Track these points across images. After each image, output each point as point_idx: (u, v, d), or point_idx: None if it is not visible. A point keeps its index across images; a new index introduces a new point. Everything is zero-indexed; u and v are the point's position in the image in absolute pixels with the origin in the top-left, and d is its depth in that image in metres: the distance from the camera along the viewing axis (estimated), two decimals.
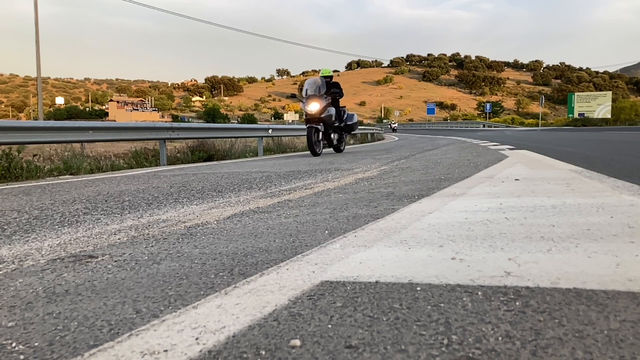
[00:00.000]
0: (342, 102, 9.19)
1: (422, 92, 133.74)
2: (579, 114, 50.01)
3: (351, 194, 3.13)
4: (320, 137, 8.34)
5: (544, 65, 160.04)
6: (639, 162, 4.74)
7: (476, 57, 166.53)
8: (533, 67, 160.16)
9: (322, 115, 8.28)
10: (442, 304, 1.11)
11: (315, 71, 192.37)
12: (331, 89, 8.80)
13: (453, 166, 4.83)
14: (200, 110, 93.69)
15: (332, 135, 8.80)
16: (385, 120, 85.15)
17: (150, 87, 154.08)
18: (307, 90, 8.60)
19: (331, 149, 9.59)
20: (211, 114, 64.24)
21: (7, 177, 5.26)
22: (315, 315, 1.08)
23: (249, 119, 60.71)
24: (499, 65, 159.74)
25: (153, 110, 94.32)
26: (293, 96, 9.86)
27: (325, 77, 9.07)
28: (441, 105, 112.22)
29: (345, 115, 9.33)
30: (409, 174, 4.25)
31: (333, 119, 8.62)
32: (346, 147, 13.26)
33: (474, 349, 0.90)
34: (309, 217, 2.35)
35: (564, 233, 1.72)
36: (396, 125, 56.53)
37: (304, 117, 8.69)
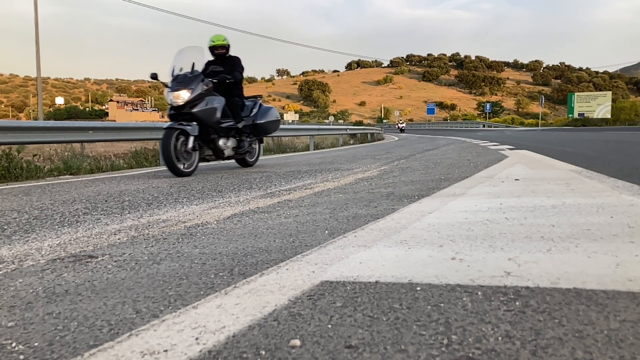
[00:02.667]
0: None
1: (422, 92, 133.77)
2: (578, 114, 49.96)
3: (351, 194, 3.13)
4: (192, 144, 4.91)
5: (544, 65, 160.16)
6: (639, 162, 4.74)
7: (476, 57, 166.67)
8: (533, 67, 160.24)
9: (196, 110, 4.97)
10: (442, 304, 1.11)
11: (315, 71, 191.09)
12: (210, 66, 5.48)
13: (453, 166, 4.83)
14: None
15: (219, 142, 5.35)
16: (385, 120, 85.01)
17: (150, 87, 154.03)
18: (174, 67, 5.22)
19: (230, 162, 6.39)
20: None
21: (7, 177, 5.26)
22: (315, 315, 1.08)
23: None
24: (499, 65, 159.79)
25: (153, 110, 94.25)
26: (154, 77, 5.30)
27: (215, 47, 5.71)
28: (441, 105, 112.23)
29: (256, 110, 5.97)
30: (409, 174, 4.25)
31: (218, 115, 5.26)
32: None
33: (474, 349, 0.90)
34: (309, 217, 2.35)
35: (564, 233, 1.72)
36: (404, 125, 47.60)
37: (167, 111, 5.23)
